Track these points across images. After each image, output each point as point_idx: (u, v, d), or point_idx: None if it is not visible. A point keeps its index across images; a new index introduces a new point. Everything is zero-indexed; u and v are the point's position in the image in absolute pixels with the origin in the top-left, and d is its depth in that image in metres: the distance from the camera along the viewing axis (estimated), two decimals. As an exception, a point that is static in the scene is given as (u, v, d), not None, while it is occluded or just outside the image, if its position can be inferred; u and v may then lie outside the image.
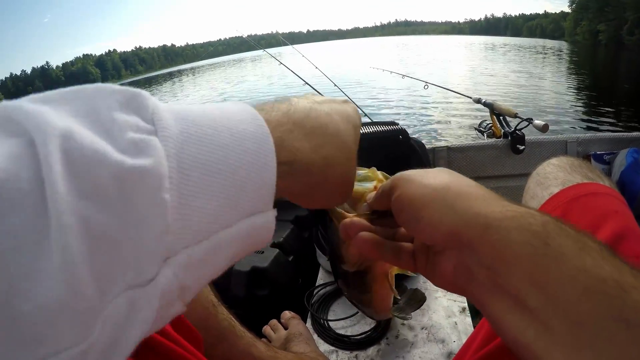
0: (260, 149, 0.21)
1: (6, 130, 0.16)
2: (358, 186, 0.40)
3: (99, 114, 0.17)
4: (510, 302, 0.24)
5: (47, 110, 0.16)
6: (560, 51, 27.97)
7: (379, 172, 0.43)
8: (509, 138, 1.61)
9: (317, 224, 1.10)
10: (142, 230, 0.16)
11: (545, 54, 24.22)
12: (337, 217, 0.39)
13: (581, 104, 8.25)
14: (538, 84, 10.73)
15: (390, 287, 0.47)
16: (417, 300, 0.55)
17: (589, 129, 6.27)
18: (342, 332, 0.89)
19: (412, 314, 0.76)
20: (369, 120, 1.73)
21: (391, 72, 3.55)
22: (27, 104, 0.17)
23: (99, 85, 0.19)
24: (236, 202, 0.20)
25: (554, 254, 0.23)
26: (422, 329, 0.87)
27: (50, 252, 0.14)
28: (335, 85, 2.39)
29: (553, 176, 0.58)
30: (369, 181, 0.42)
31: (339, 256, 0.45)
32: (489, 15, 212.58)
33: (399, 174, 0.34)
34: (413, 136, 1.28)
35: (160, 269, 0.18)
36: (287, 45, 3.41)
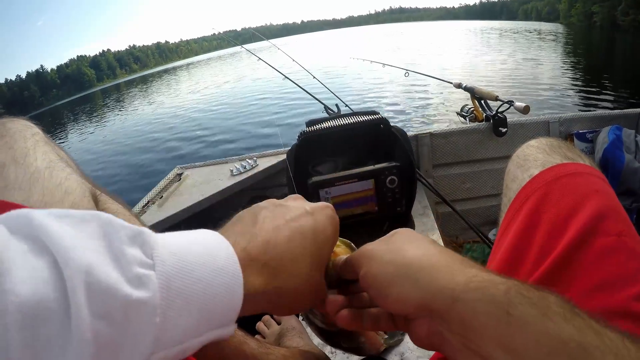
0: (231, 283, 0.28)
1: (32, 248, 0.22)
2: None
3: (111, 243, 0.24)
4: None
5: (69, 235, 0.23)
6: (557, 34, 27.63)
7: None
8: (491, 121, 1.61)
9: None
10: (138, 341, 0.23)
11: (540, 38, 23.91)
12: None
13: (577, 85, 8.22)
14: (534, 70, 10.64)
15: (376, 332, 0.49)
16: None
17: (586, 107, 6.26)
18: (333, 322, 0.90)
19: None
20: (350, 111, 1.72)
21: (371, 61, 3.48)
22: (50, 221, 0.23)
23: (112, 217, 0.25)
24: (207, 321, 0.27)
25: (517, 323, 0.26)
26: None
27: (70, 354, 0.20)
28: (314, 77, 2.41)
29: (533, 158, 0.58)
30: None
31: (315, 320, 0.48)
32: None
33: (361, 250, 0.38)
34: (395, 125, 1.27)
35: None
36: (263, 39, 3.41)
